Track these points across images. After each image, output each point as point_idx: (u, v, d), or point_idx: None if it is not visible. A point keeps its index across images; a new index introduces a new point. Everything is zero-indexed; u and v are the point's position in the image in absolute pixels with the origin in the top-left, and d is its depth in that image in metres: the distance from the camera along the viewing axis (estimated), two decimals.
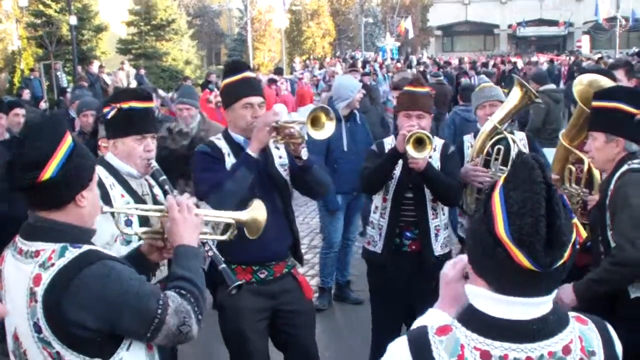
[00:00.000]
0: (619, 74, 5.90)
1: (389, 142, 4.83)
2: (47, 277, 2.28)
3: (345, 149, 6.77)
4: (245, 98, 3.94)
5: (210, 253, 3.13)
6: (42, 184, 2.31)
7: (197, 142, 6.10)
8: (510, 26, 63.33)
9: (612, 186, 3.60)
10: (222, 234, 3.05)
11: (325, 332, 5.34)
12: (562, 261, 1.73)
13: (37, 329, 2.30)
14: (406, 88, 4.75)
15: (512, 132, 5.12)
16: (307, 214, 10.79)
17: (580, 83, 4.64)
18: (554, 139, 8.99)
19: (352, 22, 52.12)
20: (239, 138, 4.01)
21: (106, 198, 3.38)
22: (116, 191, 3.52)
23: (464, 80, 17.82)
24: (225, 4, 48.92)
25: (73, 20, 23.30)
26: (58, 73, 20.65)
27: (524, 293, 1.76)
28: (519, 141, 5.06)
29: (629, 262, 3.41)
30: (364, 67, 21.87)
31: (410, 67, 24.70)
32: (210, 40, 45.57)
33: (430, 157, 4.52)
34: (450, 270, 2.03)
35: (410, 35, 49.45)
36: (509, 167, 4.90)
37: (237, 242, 3.80)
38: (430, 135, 4.36)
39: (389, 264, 4.69)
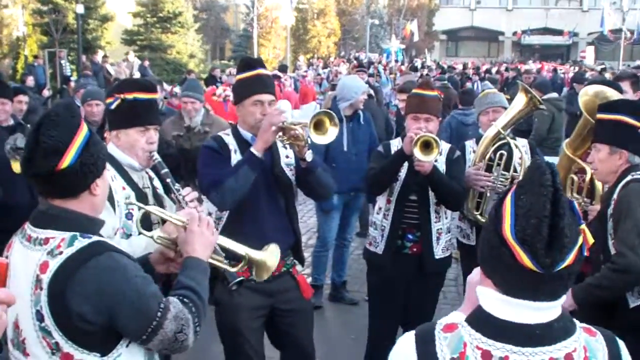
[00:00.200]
0: (625, 85, 5.91)
1: (395, 144, 4.84)
2: (54, 264, 2.28)
3: (345, 148, 6.76)
4: (255, 95, 3.94)
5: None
6: (60, 171, 2.32)
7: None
8: (515, 33, 63.41)
9: (615, 196, 3.62)
10: (233, 266, 3.06)
11: (320, 332, 5.33)
12: (565, 264, 1.74)
13: (40, 317, 2.30)
14: (415, 91, 4.75)
15: (514, 138, 5.14)
16: (304, 213, 10.78)
17: (586, 94, 4.65)
18: (556, 147, 9.04)
19: (357, 23, 52.07)
20: (247, 135, 4.00)
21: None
22: (117, 183, 3.43)
23: (468, 85, 17.84)
24: None
25: (80, 8, 23.30)
26: (62, 61, 20.62)
27: (528, 296, 1.78)
28: (522, 147, 5.08)
29: (630, 269, 3.43)
30: (368, 68, 21.88)
31: (415, 69, 24.67)
32: (216, 35, 45.50)
33: (436, 160, 4.54)
34: (476, 275, 2.05)
35: (416, 38, 49.44)
36: (519, 172, 4.92)
37: (236, 239, 3.82)
38: (437, 139, 4.38)
39: (389, 265, 4.70)
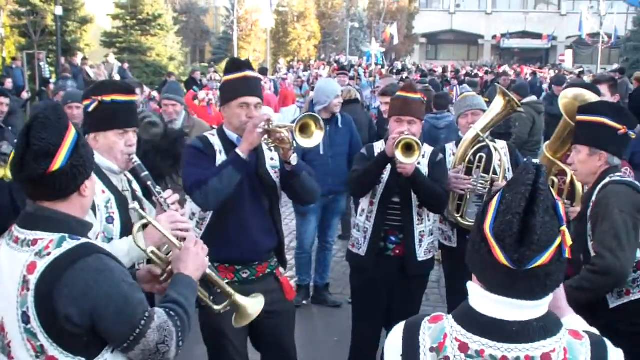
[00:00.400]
0: (603, 88, 5.97)
1: (378, 147, 4.86)
2: (42, 265, 2.27)
3: (322, 152, 6.76)
4: (241, 97, 3.94)
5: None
6: (51, 174, 2.32)
7: (180, 138, 6.05)
8: (494, 37, 63.77)
9: (594, 197, 3.66)
10: (215, 303, 3.14)
11: (303, 334, 5.34)
12: (538, 263, 1.78)
13: (25, 319, 2.28)
14: (398, 93, 4.77)
15: (493, 141, 5.17)
16: (287, 215, 10.75)
17: (566, 96, 4.70)
18: (536, 150, 9.13)
19: (337, 26, 52.11)
20: (232, 136, 4.01)
21: None
22: (97, 187, 3.29)
23: (446, 89, 17.90)
24: (212, 1, 48.78)
25: (58, 10, 23.07)
26: (41, 64, 20.40)
27: (506, 292, 1.83)
28: (501, 149, 5.12)
29: (608, 271, 3.46)
30: (348, 71, 21.92)
31: (399, 72, 24.75)
32: (196, 37, 45.30)
33: (418, 163, 4.56)
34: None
35: (395, 41, 49.56)
36: (499, 174, 4.97)
37: (220, 241, 3.82)
38: (419, 141, 4.40)
39: (372, 267, 4.71)
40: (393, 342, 1.98)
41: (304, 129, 3.80)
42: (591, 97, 4.65)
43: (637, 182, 3.75)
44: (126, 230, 3.29)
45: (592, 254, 3.62)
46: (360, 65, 34.52)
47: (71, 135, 2.40)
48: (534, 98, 10.44)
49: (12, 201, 5.02)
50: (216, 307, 3.13)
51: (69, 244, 2.32)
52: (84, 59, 23.17)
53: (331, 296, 7.34)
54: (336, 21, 52.33)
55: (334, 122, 6.98)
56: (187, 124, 6.99)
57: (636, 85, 15.38)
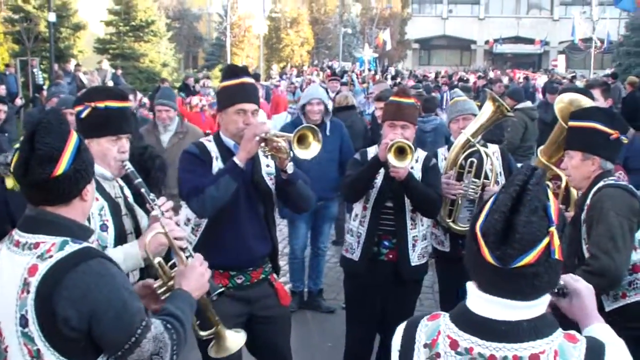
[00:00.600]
0: (596, 93, 6.02)
1: (372, 151, 4.87)
2: (43, 267, 2.28)
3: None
4: (239, 104, 3.92)
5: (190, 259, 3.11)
6: (55, 178, 2.34)
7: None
8: (487, 42, 64.03)
9: (588, 201, 3.68)
10: (202, 329, 3.16)
11: (297, 339, 5.33)
12: (522, 262, 1.79)
13: (23, 323, 2.28)
14: (392, 98, 4.77)
15: (485, 145, 5.18)
16: (280, 221, 10.75)
17: (562, 101, 4.72)
18: (529, 155, 9.14)
19: (330, 32, 52.17)
20: (229, 142, 4.00)
21: None
22: None
23: (437, 95, 17.91)
24: (206, 8, 48.82)
25: (52, 17, 23.02)
26: (34, 70, 20.42)
27: (496, 292, 1.86)
28: (492, 154, 5.13)
29: (603, 272, 3.47)
30: (341, 76, 21.95)
31: (394, 78, 24.79)
32: (189, 43, 45.32)
33: (411, 167, 4.57)
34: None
35: (388, 47, 49.74)
36: (490, 179, 4.99)
37: (215, 247, 3.82)
38: (411, 145, 4.41)
39: (365, 272, 4.71)
40: (395, 339, 2.07)
41: (301, 140, 3.81)
42: (586, 102, 4.67)
43: (631, 186, 3.76)
44: (120, 238, 3.27)
45: (587, 256, 3.62)
46: (353, 71, 34.56)
47: (73, 139, 2.42)
48: (528, 104, 10.46)
49: (6, 206, 5.01)
50: (202, 333, 3.15)
51: (72, 247, 2.32)
52: (77, 65, 23.13)
53: (325, 302, 7.33)
54: (329, 27, 52.41)
55: (322, 129, 6.93)
56: (181, 130, 7.00)
57: (629, 90, 15.48)
